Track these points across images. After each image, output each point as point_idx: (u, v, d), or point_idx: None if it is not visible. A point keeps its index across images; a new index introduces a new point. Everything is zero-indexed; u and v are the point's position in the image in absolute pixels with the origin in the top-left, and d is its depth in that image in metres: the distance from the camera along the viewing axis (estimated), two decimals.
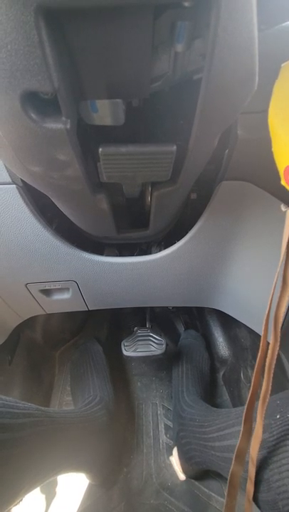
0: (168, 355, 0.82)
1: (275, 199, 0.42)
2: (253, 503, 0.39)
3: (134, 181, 0.31)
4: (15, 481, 0.36)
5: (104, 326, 1.02)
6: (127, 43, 0.19)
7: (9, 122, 0.21)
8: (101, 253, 0.55)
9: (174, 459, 0.69)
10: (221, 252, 0.54)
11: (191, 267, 0.57)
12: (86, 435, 0.57)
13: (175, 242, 0.52)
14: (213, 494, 0.66)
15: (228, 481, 0.41)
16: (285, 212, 0.31)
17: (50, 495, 0.67)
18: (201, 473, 0.66)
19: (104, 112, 0.25)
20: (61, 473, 0.51)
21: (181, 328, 1.01)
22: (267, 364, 0.35)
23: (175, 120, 0.31)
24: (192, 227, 0.49)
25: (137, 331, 0.81)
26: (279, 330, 0.34)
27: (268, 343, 0.35)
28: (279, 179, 0.29)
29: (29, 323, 0.79)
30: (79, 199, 0.34)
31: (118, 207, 0.40)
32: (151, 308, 0.99)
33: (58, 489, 0.68)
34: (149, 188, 0.38)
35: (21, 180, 0.40)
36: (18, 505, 0.39)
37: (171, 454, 0.72)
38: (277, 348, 0.34)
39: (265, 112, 0.27)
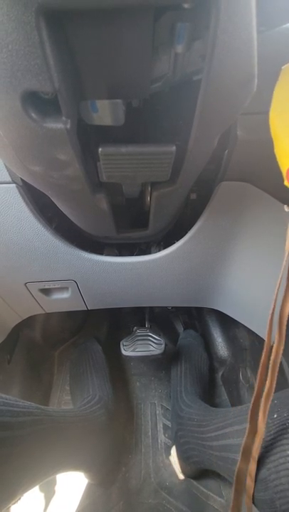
0: (167, 355, 0.82)
1: (274, 200, 0.43)
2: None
3: (133, 181, 0.31)
4: (14, 479, 0.36)
5: (104, 326, 1.02)
6: (128, 44, 0.19)
7: (10, 122, 0.21)
8: (101, 253, 0.55)
9: (173, 459, 0.69)
10: (221, 252, 0.54)
11: (190, 267, 0.57)
12: (85, 434, 0.57)
13: (174, 242, 0.52)
14: (211, 494, 0.66)
15: (234, 478, 0.41)
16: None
17: (49, 494, 0.67)
18: (199, 472, 0.67)
19: (105, 112, 0.25)
20: (60, 472, 0.51)
21: (180, 328, 1.01)
22: (271, 363, 0.35)
23: (175, 121, 0.31)
24: (192, 227, 0.49)
25: (136, 330, 0.81)
26: (284, 329, 0.34)
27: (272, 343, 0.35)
28: (279, 180, 0.29)
29: (28, 322, 0.79)
30: (79, 199, 0.34)
31: (118, 207, 0.40)
32: (151, 308, 0.99)
33: (56, 488, 0.68)
34: (149, 188, 0.38)
35: (21, 179, 0.40)
36: (16, 504, 0.39)
37: (169, 453, 0.73)
38: (282, 348, 0.34)
39: (264, 113, 0.27)
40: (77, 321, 1.01)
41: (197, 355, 0.84)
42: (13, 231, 0.47)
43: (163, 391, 0.86)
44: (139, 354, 0.73)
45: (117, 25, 0.18)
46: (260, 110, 0.32)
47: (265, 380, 0.36)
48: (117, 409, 0.76)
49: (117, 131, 0.29)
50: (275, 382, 0.35)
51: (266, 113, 0.27)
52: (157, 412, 0.81)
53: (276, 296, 0.33)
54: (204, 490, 0.67)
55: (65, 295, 0.65)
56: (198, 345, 0.88)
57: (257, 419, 0.38)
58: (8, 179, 0.39)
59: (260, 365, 0.37)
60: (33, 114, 0.21)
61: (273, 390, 0.35)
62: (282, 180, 0.29)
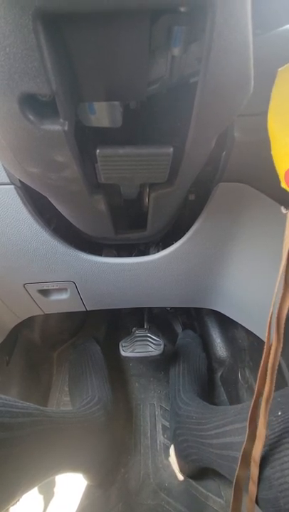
0: (166, 356, 0.82)
1: (271, 201, 0.43)
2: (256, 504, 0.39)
3: (131, 182, 0.31)
4: (13, 480, 0.36)
5: (103, 327, 1.02)
6: (125, 47, 0.19)
7: (7, 124, 0.22)
8: (99, 254, 0.55)
9: (172, 459, 0.69)
10: (219, 253, 0.54)
11: (188, 268, 0.57)
12: (84, 435, 0.57)
13: (173, 243, 0.53)
14: (210, 495, 0.66)
15: (233, 484, 0.41)
16: (286, 214, 0.31)
17: (48, 495, 0.67)
18: (198, 471, 0.66)
19: (102, 114, 0.25)
20: (59, 473, 0.51)
21: (179, 329, 1.01)
22: (269, 365, 0.35)
23: (172, 122, 0.32)
24: (190, 228, 0.49)
25: (135, 331, 0.81)
26: (282, 331, 0.34)
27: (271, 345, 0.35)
28: (276, 181, 0.29)
29: (27, 323, 0.79)
30: (77, 200, 0.34)
31: (116, 208, 0.40)
32: (149, 308, 0.99)
33: (56, 489, 0.68)
34: (147, 189, 0.38)
35: (19, 180, 0.40)
36: (15, 505, 0.39)
37: (168, 454, 0.73)
38: (280, 350, 0.34)
39: (261, 114, 0.27)
40: (76, 321, 1.01)
41: (195, 355, 0.84)
42: (11, 232, 0.47)
43: (162, 392, 0.86)
44: (138, 355, 0.73)
45: (114, 29, 0.18)
46: (258, 112, 0.32)
47: (265, 382, 0.36)
48: (116, 410, 0.76)
49: (115, 133, 0.30)
50: (274, 385, 0.35)
51: (263, 114, 0.27)
52: (156, 412, 0.81)
53: (274, 297, 0.33)
54: (203, 491, 0.67)
55: (63, 296, 0.65)
56: (197, 345, 0.88)
57: (256, 424, 0.37)
58: (7, 180, 0.39)
59: (260, 368, 0.37)
60: (30, 116, 0.21)
61: (272, 393, 0.35)
62: (280, 182, 0.29)
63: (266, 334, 0.35)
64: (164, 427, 0.78)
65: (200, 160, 0.31)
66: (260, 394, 0.37)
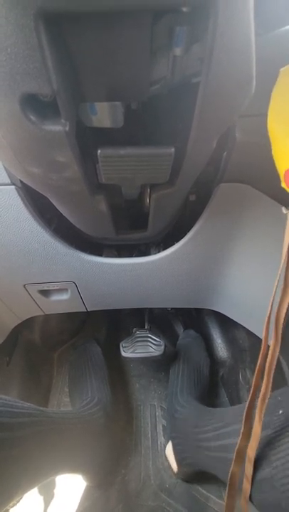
0: (166, 357, 0.82)
1: (273, 201, 0.43)
2: (250, 503, 0.38)
3: (132, 183, 0.31)
4: (13, 481, 0.36)
5: (103, 327, 1.02)
6: (126, 47, 0.19)
7: (9, 124, 0.22)
8: (100, 254, 0.55)
9: (169, 458, 0.69)
10: (220, 253, 0.54)
11: (189, 268, 0.57)
12: (84, 436, 0.57)
13: (174, 244, 0.52)
14: (211, 496, 0.66)
15: (228, 481, 0.40)
16: (286, 214, 0.31)
17: (48, 496, 0.67)
18: (193, 475, 0.66)
19: (103, 115, 0.25)
20: (59, 474, 0.51)
21: (179, 330, 1.01)
22: (267, 366, 0.35)
23: (173, 123, 0.32)
24: (191, 228, 0.49)
25: (135, 332, 0.81)
26: (280, 332, 0.34)
27: (268, 346, 0.35)
28: (277, 181, 0.29)
29: (27, 323, 0.79)
30: (78, 200, 0.34)
31: (117, 208, 0.40)
32: (150, 309, 0.99)
33: (56, 490, 0.67)
34: (148, 190, 0.38)
35: (20, 181, 0.40)
36: (15, 506, 0.39)
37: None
38: (278, 350, 0.34)
39: (262, 115, 0.27)
40: (77, 322, 1.00)
41: (196, 356, 0.84)
42: (12, 233, 0.47)
43: (162, 392, 0.86)
44: (138, 355, 0.73)
45: (116, 29, 0.18)
46: (259, 112, 0.32)
47: (262, 381, 0.36)
48: (117, 411, 0.76)
49: (116, 133, 0.30)
50: (270, 384, 0.35)
51: (264, 115, 0.27)
52: (157, 413, 0.81)
53: (273, 298, 0.33)
54: (204, 492, 0.67)
55: (64, 296, 0.65)
56: (198, 346, 0.87)
57: (252, 422, 0.37)
58: (8, 181, 0.39)
59: (256, 367, 0.36)
60: (31, 117, 0.21)
61: (269, 392, 0.35)
62: (280, 182, 0.29)
63: (263, 334, 0.35)
64: (164, 428, 0.78)
65: (201, 160, 0.31)
66: (256, 392, 0.37)
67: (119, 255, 0.57)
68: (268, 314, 0.34)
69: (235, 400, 0.78)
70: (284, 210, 0.32)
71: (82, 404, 0.69)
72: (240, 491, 0.39)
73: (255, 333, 0.67)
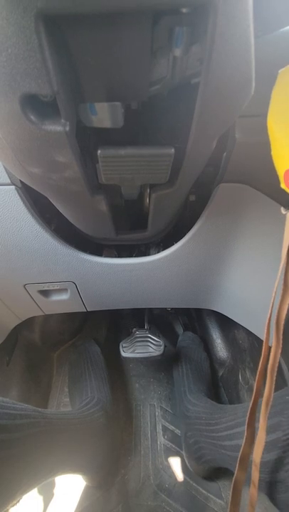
0: (166, 357, 0.82)
1: (272, 201, 0.43)
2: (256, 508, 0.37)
3: (132, 183, 0.31)
4: (12, 482, 0.36)
5: (103, 327, 1.02)
6: (126, 48, 0.19)
7: (9, 124, 0.22)
8: (100, 254, 0.55)
9: (173, 460, 0.69)
10: (220, 253, 0.54)
11: (189, 269, 0.57)
12: (83, 436, 0.57)
13: (174, 244, 0.53)
14: (211, 496, 0.66)
15: (231, 487, 0.40)
16: (285, 214, 0.31)
17: (47, 496, 0.67)
18: (212, 471, 0.66)
19: (103, 115, 0.25)
20: (58, 475, 0.51)
21: (179, 330, 1.01)
22: (269, 367, 0.34)
23: (173, 123, 0.32)
24: (191, 228, 0.49)
25: (135, 332, 0.81)
26: (281, 333, 0.34)
27: (270, 347, 0.35)
28: (277, 182, 0.29)
29: (27, 323, 0.79)
30: (78, 200, 0.34)
31: (117, 208, 0.40)
32: (150, 309, 0.99)
33: (55, 491, 0.67)
34: (148, 190, 0.38)
35: (20, 181, 0.40)
36: (15, 506, 0.39)
37: (169, 455, 0.72)
38: (280, 351, 0.34)
39: (262, 115, 0.27)
40: (76, 322, 1.00)
41: (197, 356, 0.84)
42: (12, 233, 0.47)
43: (162, 392, 0.86)
44: (138, 355, 0.73)
45: (116, 29, 0.18)
46: (258, 113, 0.32)
47: (264, 383, 0.35)
48: (116, 411, 0.76)
49: (116, 134, 0.30)
50: (273, 386, 0.34)
51: (264, 116, 0.27)
52: (156, 413, 0.81)
53: (273, 298, 0.33)
54: (204, 492, 0.67)
55: (64, 296, 0.65)
56: (198, 347, 0.88)
57: (254, 426, 0.37)
58: (8, 181, 0.39)
59: (259, 368, 0.36)
60: (32, 117, 0.21)
61: (272, 395, 0.35)
62: (280, 183, 0.29)
63: (264, 335, 0.35)
64: (164, 428, 0.78)
65: (201, 161, 0.31)
66: (258, 396, 0.37)
67: (119, 255, 0.57)
68: (268, 315, 0.34)
69: (234, 400, 0.78)
70: (283, 210, 0.32)
71: (82, 404, 0.69)
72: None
73: (255, 334, 0.67)
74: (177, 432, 0.77)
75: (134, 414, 0.81)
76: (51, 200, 0.37)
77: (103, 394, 0.73)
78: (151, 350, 0.74)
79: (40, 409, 0.46)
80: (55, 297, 0.65)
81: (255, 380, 0.38)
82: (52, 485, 0.68)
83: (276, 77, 0.26)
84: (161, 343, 0.75)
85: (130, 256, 0.57)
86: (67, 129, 0.22)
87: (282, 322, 0.33)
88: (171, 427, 0.78)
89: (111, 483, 0.68)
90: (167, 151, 0.27)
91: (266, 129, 0.28)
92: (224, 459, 0.51)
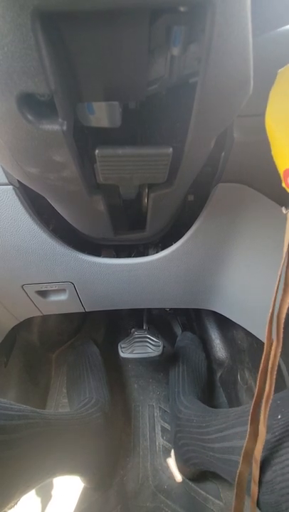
0: (165, 357, 0.82)
1: (270, 201, 0.43)
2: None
3: (130, 183, 0.31)
4: (10, 483, 0.36)
5: (101, 328, 1.02)
6: (124, 46, 0.19)
7: (6, 123, 0.21)
8: (98, 254, 0.55)
9: (172, 461, 0.69)
10: (218, 253, 0.54)
11: (187, 269, 0.57)
12: (82, 437, 0.57)
13: (172, 244, 0.52)
14: (209, 497, 0.66)
15: (235, 483, 0.40)
16: (286, 214, 0.31)
17: (45, 498, 0.66)
18: (198, 474, 0.66)
19: (101, 114, 0.25)
20: (57, 476, 0.51)
21: (178, 330, 1.01)
22: (270, 365, 0.35)
23: (171, 122, 0.32)
24: (189, 228, 0.49)
25: (134, 332, 0.81)
26: (281, 331, 0.34)
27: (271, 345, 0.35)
28: (275, 181, 0.29)
29: (25, 324, 0.78)
30: (76, 200, 0.34)
31: (115, 208, 0.40)
32: (148, 309, 0.99)
33: (53, 492, 0.67)
34: (146, 190, 0.38)
35: (18, 181, 0.40)
36: (13, 508, 0.38)
37: (167, 456, 0.72)
38: (280, 350, 0.34)
39: (261, 115, 0.27)
40: (75, 323, 1.00)
41: (195, 357, 0.84)
42: (9, 233, 0.46)
43: (161, 393, 0.86)
44: (137, 356, 0.73)
45: (114, 28, 0.18)
46: (257, 112, 0.32)
47: (265, 382, 0.36)
48: (115, 412, 0.75)
49: (114, 133, 0.29)
50: (274, 385, 0.35)
51: (262, 115, 0.27)
52: (155, 414, 0.81)
53: (275, 298, 0.33)
54: (202, 493, 0.66)
55: (62, 297, 0.64)
56: (196, 347, 0.88)
57: (258, 422, 0.37)
58: (5, 181, 0.39)
59: (261, 367, 0.36)
60: (29, 116, 0.21)
61: (272, 393, 0.35)
62: (280, 182, 0.29)
63: (266, 334, 0.35)
64: (163, 429, 0.78)
65: (199, 160, 0.31)
66: (261, 392, 0.37)
67: (118, 255, 0.57)
68: (269, 315, 0.34)
69: (233, 400, 0.78)
70: (284, 210, 0.32)
71: (80, 405, 0.69)
72: (248, 490, 0.39)
73: (254, 334, 0.67)
74: None
75: (132, 415, 0.81)
76: (49, 200, 0.37)
77: (102, 395, 0.73)
78: (149, 350, 0.73)
79: (38, 410, 0.46)
80: (54, 298, 0.65)
81: (254, 380, 0.38)
82: (50, 486, 0.68)
83: (275, 76, 0.26)
84: (160, 343, 0.75)
85: (129, 256, 0.57)
86: (65, 128, 0.22)
87: (282, 322, 0.34)
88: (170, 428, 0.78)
89: (109, 485, 0.68)
90: (165, 150, 0.26)
91: (265, 129, 0.28)
92: (212, 462, 0.51)
